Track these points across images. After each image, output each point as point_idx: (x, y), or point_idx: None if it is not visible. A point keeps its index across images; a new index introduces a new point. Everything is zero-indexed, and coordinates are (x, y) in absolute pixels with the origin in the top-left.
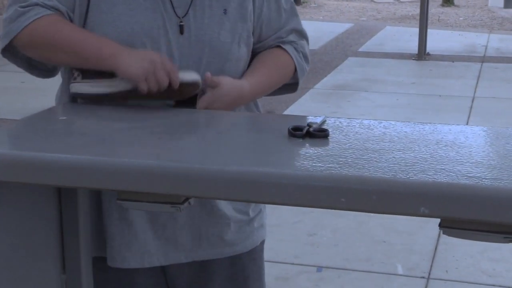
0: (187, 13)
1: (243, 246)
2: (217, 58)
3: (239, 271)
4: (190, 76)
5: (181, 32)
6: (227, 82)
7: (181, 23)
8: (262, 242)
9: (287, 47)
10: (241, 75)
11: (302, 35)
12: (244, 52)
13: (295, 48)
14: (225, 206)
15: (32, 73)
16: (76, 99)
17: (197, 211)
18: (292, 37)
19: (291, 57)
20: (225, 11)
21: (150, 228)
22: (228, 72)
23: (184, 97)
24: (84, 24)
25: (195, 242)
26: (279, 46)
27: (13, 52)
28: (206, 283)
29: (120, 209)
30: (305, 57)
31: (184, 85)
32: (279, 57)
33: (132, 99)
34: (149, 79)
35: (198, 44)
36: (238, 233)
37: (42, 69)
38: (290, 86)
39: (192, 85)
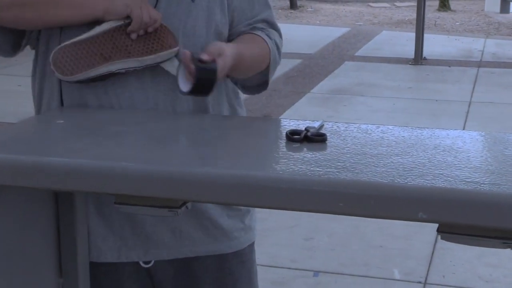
0: (157, 2)
1: (227, 245)
2: (191, 48)
3: (227, 274)
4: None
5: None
6: (225, 47)
7: None
8: (251, 245)
9: (259, 32)
10: None
11: (274, 27)
12: (221, 41)
13: (267, 35)
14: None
15: None
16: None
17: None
18: (263, 26)
19: (264, 40)
20: (192, 0)
21: (127, 224)
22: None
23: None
24: None
25: (176, 239)
26: (251, 33)
27: None
28: (193, 286)
29: (97, 203)
30: (277, 47)
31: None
32: (254, 38)
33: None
34: (143, 8)
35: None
36: (221, 229)
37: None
38: (260, 85)
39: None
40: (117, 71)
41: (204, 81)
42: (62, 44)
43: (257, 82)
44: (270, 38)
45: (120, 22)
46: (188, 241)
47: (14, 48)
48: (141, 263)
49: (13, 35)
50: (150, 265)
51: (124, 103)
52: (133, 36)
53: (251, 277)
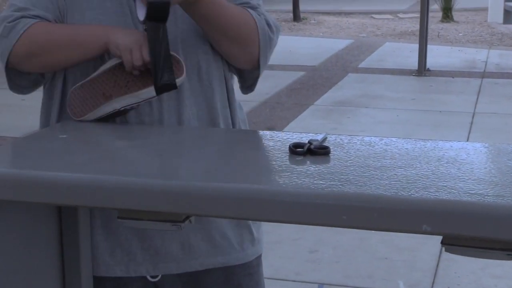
0: None
1: (235, 257)
2: (192, 53)
3: (234, 286)
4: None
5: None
6: None
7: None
8: (258, 258)
9: (245, 7)
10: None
11: (261, 12)
12: None
13: (256, 12)
14: None
15: (11, 88)
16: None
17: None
18: (249, 5)
19: (248, 11)
20: None
21: (136, 238)
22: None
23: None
24: None
25: (185, 252)
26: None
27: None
28: None
29: (103, 217)
30: (268, 24)
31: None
32: (237, 6)
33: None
34: (134, 50)
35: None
36: (229, 241)
37: (19, 85)
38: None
39: (177, 62)
40: (123, 108)
41: (156, 4)
42: (74, 86)
43: (250, 63)
44: (259, 14)
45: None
46: (197, 254)
47: (35, 85)
48: (148, 277)
49: (34, 76)
50: (157, 279)
51: (130, 116)
52: (135, 72)
53: None
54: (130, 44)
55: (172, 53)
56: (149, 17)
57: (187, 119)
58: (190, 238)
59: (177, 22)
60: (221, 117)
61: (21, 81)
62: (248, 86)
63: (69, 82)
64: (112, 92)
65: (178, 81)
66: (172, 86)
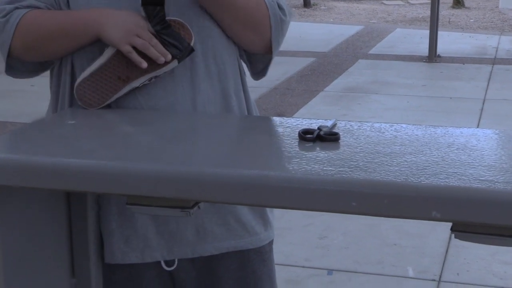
0: None
1: (249, 241)
2: (206, 37)
3: (249, 273)
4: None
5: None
6: None
7: None
8: (271, 243)
9: None
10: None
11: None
12: None
13: None
14: None
15: (15, 76)
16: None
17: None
18: None
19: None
20: None
21: (151, 223)
22: (220, 47)
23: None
24: None
25: (200, 236)
26: None
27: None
28: (215, 286)
29: (118, 203)
30: (280, 7)
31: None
32: None
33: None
34: (133, 41)
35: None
36: (243, 225)
37: (25, 71)
38: (266, 46)
39: (182, 25)
40: (142, 84)
41: None
42: (81, 78)
43: (262, 47)
44: None
45: None
46: (211, 238)
47: (44, 67)
48: (163, 265)
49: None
50: (173, 267)
51: (143, 100)
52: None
53: (272, 275)
54: (122, 38)
55: (172, 18)
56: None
57: (202, 104)
58: (205, 222)
59: (191, 4)
60: (235, 102)
61: (28, 66)
62: (259, 71)
63: (77, 67)
64: (128, 74)
65: (192, 43)
66: (191, 50)
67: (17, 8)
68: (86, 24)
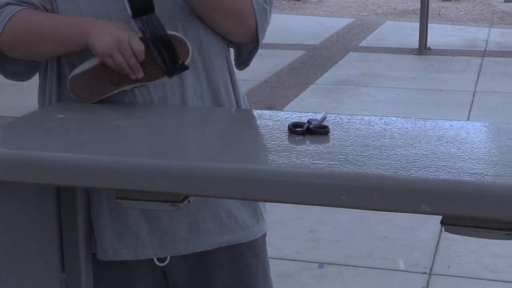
0: None
1: (241, 235)
2: (193, 29)
3: (242, 267)
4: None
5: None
6: None
7: None
8: (263, 236)
9: None
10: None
11: None
12: None
13: None
14: None
15: (6, 76)
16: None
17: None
18: None
19: None
20: None
21: (143, 220)
22: (206, 40)
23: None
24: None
25: (193, 232)
26: None
27: None
28: (208, 281)
29: (110, 200)
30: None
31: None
32: None
33: (115, 84)
34: (114, 55)
35: (166, 19)
36: (235, 219)
37: (15, 72)
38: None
39: (179, 42)
40: (132, 88)
41: None
42: (73, 74)
43: (248, 37)
44: None
45: None
46: (204, 233)
47: (33, 68)
48: (156, 261)
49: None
50: (165, 263)
51: (133, 96)
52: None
53: (265, 269)
54: (107, 49)
55: (173, 33)
56: (135, 12)
57: (190, 97)
58: (198, 218)
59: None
60: (224, 95)
61: (16, 67)
62: (243, 61)
63: (64, 65)
64: (120, 79)
65: (187, 61)
66: (183, 68)
67: (9, 3)
68: (78, 32)
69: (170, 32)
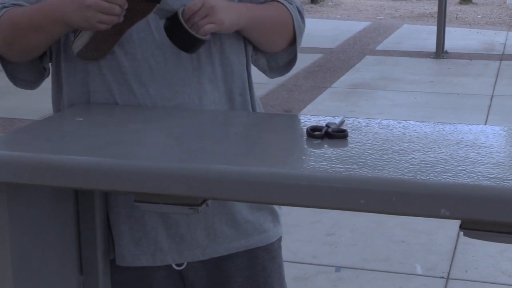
0: None
1: (258, 239)
2: (214, 38)
3: (258, 271)
4: None
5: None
6: (214, 1)
7: None
8: (279, 240)
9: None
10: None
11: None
12: None
13: (287, 1)
14: None
15: (15, 84)
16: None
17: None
18: None
19: (282, 3)
20: None
21: (161, 226)
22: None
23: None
24: None
25: (210, 237)
26: (266, 1)
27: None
28: (225, 285)
29: (128, 206)
30: (299, 12)
31: None
32: (272, 4)
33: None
34: (100, 19)
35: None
36: (252, 223)
37: (24, 80)
38: (289, 61)
39: None
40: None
41: (172, 29)
42: (79, 48)
43: (286, 58)
44: (289, 3)
45: None
46: (221, 238)
47: (41, 74)
48: (173, 265)
49: (34, 63)
50: (182, 267)
51: (151, 102)
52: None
53: (281, 272)
54: (88, 21)
55: None
56: (172, 40)
57: (208, 105)
58: (215, 224)
59: None
60: (239, 102)
61: (25, 75)
62: (279, 67)
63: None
64: (119, 26)
65: None
66: None
67: (5, 7)
68: (53, 14)
69: None
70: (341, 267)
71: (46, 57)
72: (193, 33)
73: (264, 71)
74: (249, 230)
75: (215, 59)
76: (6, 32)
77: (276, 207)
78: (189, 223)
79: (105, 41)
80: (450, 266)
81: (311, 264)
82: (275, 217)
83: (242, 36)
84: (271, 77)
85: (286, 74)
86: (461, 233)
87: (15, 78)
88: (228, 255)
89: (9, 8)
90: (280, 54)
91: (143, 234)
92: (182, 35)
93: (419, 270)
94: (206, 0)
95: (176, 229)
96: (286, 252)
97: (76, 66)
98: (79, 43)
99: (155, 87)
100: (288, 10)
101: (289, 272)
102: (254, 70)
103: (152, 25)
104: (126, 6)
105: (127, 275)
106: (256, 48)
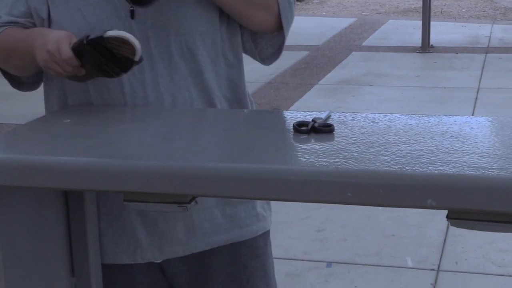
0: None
1: (239, 233)
2: (186, 36)
3: (241, 268)
4: (116, 32)
5: (132, 17)
6: None
7: (132, 8)
8: (265, 237)
9: None
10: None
11: None
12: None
13: None
14: None
15: (21, 89)
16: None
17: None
18: None
19: None
20: None
21: (140, 223)
22: (201, 46)
23: (124, 65)
24: (49, 26)
25: (190, 233)
26: None
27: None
28: (207, 281)
29: (108, 204)
30: None
31: (115, 44)
32: None
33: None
34: (51, 68)
35: (158, 26)
36: (232, 218)
37: (28, 83)
38: (280, 44)
39: (123, 42)
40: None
41: None
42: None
43: (275, 43)
44: None
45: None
46: (201, 234)
47: (40, 77)
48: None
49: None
50: (161, 260)
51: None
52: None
53: (266, 271)
54: (43, 63)
55: (111, 36)
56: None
57: (182, 103)
58: (194, 219)
59: (172, 5)
60: (218, 98)
61: (29, 79)
62: (269, 55)
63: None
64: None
65: (136, 58)
66: (134, 64)
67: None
68: (27, 48)
69: (110, 33)
70: (332, 262)
71: None
72: None
73: (259, 59)
74: (229, 224)
75: (187, 56)
76: (1, 53)
77: (261, 202)
78: (168, 219)
79: (80, 78)
80: (440, 258)
81: (302, 260)
82: (259, 212)
83: (218, 32)
84: (268, 64)
85: (273, 72)
86: (450, 225)
87: (19, 84)
88: (210, 251)
89: (5, 28)
90: (270, 36)
91: (123, 232)
92: None
93: (410, 263)
94: None
95: (155, 226)
96: (277, 249)
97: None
98: None
99: (128, 85)
100: None
101: (281, 268)
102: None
103: (126, 24)
104: (81, 74)
105: (111, 272)
106: (246, 36)
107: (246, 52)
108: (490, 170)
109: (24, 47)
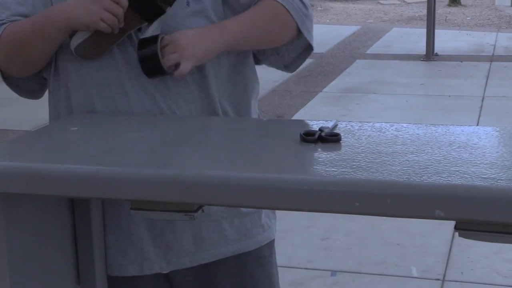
0: None
1: (246, 244)
2: None
3: (247, 278)
4: None
5: (139, 29)
6: (182, 36)
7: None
8: (270, 246)
9: None
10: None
11: None
12: None
13: None
14: None
15: (21, 94)
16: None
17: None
18: None
19: (279, 2)
20: (187, 3)
21: (147, 235)
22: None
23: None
24: None
25: (197, 244)
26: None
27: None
28: None
29: (115, 216)
30: (302, 2)
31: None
32: (258, 3)
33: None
34: (103, 17)
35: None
36: (239, 229)
37: (28, 90)
38: (304, 49)
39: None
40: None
41: (146, 62)
42: (77, 42)
43: (297, 47)
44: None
45: None
46: (208, 245)
47: (42, 84)
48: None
49: (35, 73)
50: (168, 271)
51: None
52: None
53: (272, 279)
54: (95, 16)
55: None
56: (145, 72)
57: (188, 111)
58: (202, 231)
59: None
60: (225, 110)
61: (30, 85)
62: (291, 61)
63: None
64: (125, 26)
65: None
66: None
67: (3, 23)
68: (54, 19)
69: None
70: (336, 271)
71: (44, 68)
72: (162, 63)
73: (283, 68)
74: (236, 235)
75: (194, 70)
76: (8, 46)
77: (266, 211)
78: (175, 231)
79: (103, 41)
80: (446, 268)
81: (306, 268)
82: (264, 222)
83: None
84: (291, 71)
85: (277, 80)
86: (456, 234)
87: (20, 89)
88: (216, 261)
89: (8, 24)
90: (289, 44)
91: (130, 244)
92: (153, 60)
93: (414, 273)
94: (174, 37)
95: (162, 238)
96: (281, 257)
97: (60, 79)
98: (77, 38)
99: (135, 97)
100: (279, 4)
101: (285, 277)
102: None
103: (134, 37)
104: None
105: (118, 283)
106: (269, 50)
107: (271, 65)
108: (499, 181)
109: (41, 29)
